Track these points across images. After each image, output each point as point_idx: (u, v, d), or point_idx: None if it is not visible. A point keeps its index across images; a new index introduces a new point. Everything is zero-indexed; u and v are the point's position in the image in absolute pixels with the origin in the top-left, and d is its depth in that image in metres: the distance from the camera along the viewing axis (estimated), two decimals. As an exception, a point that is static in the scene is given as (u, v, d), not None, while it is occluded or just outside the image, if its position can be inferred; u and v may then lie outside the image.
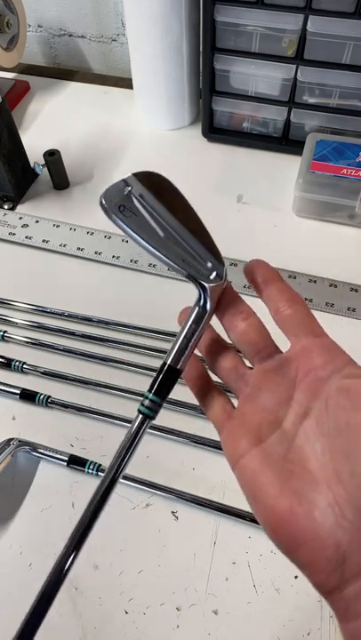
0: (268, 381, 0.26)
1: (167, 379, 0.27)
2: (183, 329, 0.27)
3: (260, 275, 0.27)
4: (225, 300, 0.27)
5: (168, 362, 0.27)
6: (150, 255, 0.26)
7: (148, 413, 0.27)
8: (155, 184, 0.28)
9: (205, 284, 0.26)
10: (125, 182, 0.27)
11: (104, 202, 0.26)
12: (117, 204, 0.26)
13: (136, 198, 0.27)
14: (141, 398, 0.28)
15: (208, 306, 0.26)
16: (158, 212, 0.27)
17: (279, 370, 0.26)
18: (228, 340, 0.28)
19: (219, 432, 0.28)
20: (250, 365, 0.28)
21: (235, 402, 0.29)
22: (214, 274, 0.26)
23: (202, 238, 0.27)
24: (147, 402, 0.27)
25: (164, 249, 0.26)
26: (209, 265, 0.27)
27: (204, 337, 0.29)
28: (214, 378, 0.30)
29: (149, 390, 0.27)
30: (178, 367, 0.27)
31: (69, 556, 0.27)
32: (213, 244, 0.27)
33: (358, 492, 0.21)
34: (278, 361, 0.26)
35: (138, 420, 0.27)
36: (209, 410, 0.29)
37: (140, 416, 0.27)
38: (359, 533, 0.21)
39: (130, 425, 0.28)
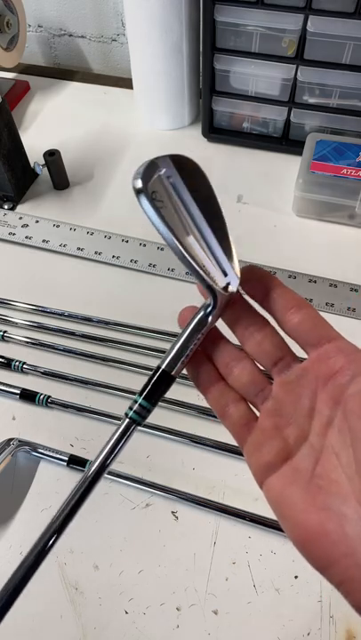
0: (289, 393, 0.25)
1: (160, 384, 0.26)
2: (183, 333, 0.25)
3: (257, 282, 0.26)
4: (237, 311, 0.26)
5: (163, 366, 0.26)
6: (172, 251, 0.23)
7: (137, 419, 0.26)
8: (187, 171, 0.25)
9: (218, 293, 0.24)
10: (157, 164, 0.24)
11: (140, 184, 0.23)
12: (150, 189, 0.23)
13: (167, 185, 0.24)
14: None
15: (215, 314, 0.25)
16: (187, 205, 0.24)
17: (299, 380, 0.25)
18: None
19: (240, 444, 0.26)
20: (267, 373, 0.27)
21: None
22: (229, 283, 0.24)
23: (223, 242, 0.25)
24: (136, 406, 0.26)
25: (190, 250, 0.23)
26: (226, 272, 0.25)
27: (221, 348, 0.27)
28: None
29: (140, 394, 0.26)
30: (172, 373, 0.26)
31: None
32: (232, 249, 0.25)
33: None
34: (297, 371, 0.25)
35: (124, 424, 0.26)
36: (227, 419, 0.27)
37: (127, 420, 0.26)
38: None
39: (115, 427, 0.27)
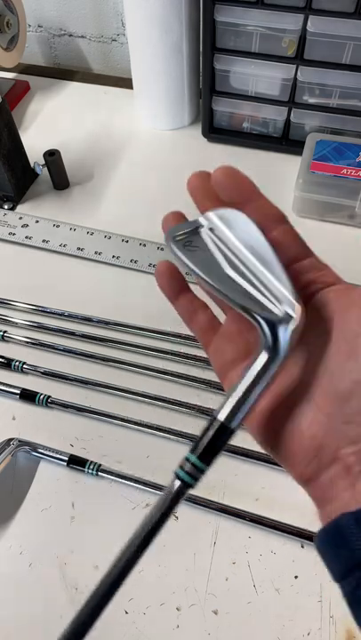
0: None
1: (218, 440, 0.22)
2: (244, 379, 0.22)
3: (234, 189, 0.24)
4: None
5: (222, 419, 0.22)
6: (211, 290, 0.23)
7: (190, 482, 0.22)
8: (233, 222, 0.24)
9: (273, 323, 0.21)
10: (197, 221, 0.25)
11: (166, 234, 0.25)
12: (180, 238, 0.24)
13: (208, 236, 0.24)
14: (141, 398, 0.27)
15: (279, 348, 0.21)
16: (234, 250, 0.23)
17: None
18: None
19: (204, 346, 0.28)
20: None
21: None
22: (285, 312, 0.21)
23: (275, 274, 0.22)
24: (188, 466, 0.22)
25: (224, 284, 0.22)
26: (282, 303, 0.22)
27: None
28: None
29: (192, 451, 0.22)
30: (231, 427, 0.22)
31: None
32: (286, 279, 0.22)
33: (338, 386, 0.22)
34: None
35: (176, 488, 0.22)
36: (194, 324, 0.28)
37: (179, 483, 0.22)
38: (333, 423, 0.22)
39: (162, 492, 0.23)
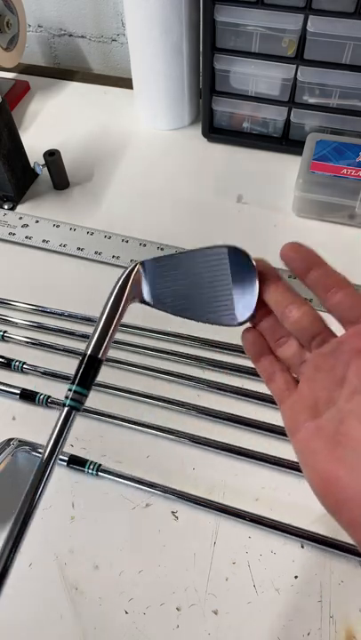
0: (323, 363, 0.28)
1: (90, 368, 0.30)
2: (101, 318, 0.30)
3: (301, 260, 0.28)
4: (278, 291, 0.29)
5: (89, 352, 0.29)
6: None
7: (75, 405, 0.29)
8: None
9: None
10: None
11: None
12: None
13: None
14: (141, 398, 0.28)
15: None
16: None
17: (334, 352, 0.27)
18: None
19: (279, 404, 0.30)
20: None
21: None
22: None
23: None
24: (71, 394, 0.29)
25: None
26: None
27: (270, 325, 0.30)
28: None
29: (72, 383, 0.29)
30: (99, 357, 0.29)
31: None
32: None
33: None
34: (334, 344, 0.28)
35: (64, 412, 0.29)
36: (272, 383, 0.30)
37: (67, 408, 0.29)
38: None
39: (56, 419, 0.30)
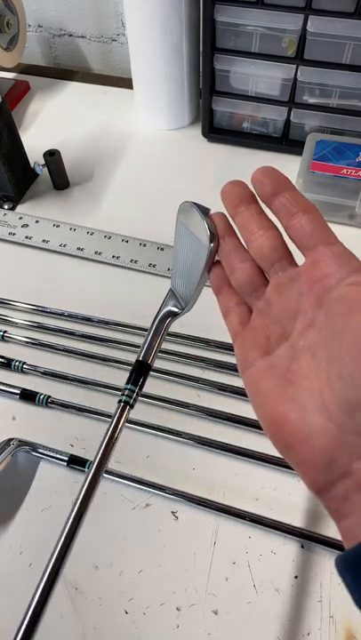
0: (278, 295, 0.26)
1: (140, 370, 0.32)
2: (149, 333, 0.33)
3: (269, 184, 0.26)
4: (246, 214, 0.28)
5: (140, 359, 0.32)
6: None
7: (128, 401, 0.32)
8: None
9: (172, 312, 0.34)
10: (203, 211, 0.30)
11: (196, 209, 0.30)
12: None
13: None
14: (141, 398, 0.29)
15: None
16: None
17: (290, 283, 0.26)
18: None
19: (233, 341, 0.29)
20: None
21: None
22: (181, 308, 0.33)
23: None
24: (126, 392, 0.32)
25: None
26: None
27: (229, 249, 0.29)
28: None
29: (127, 383, 0.32)
30: (147, 362, 0.32)
31: (63, 554, 0.29)
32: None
33: (345, 393, 0.21)
34: (291, 274, 0.26)
35: (120, 407, 0.31)
36: (226, 319, 0.29)
37: (122, 404, 0.31)
38: (344, 435, 0.21)
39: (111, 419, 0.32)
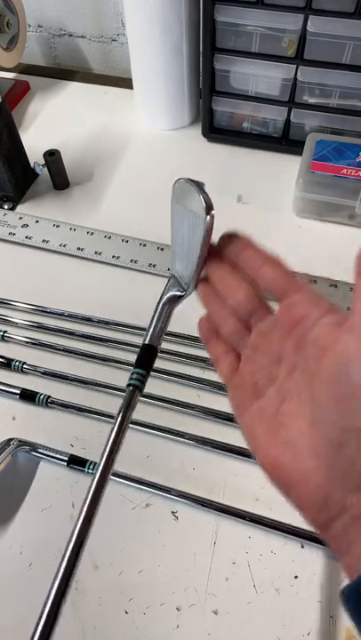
0: (262, 341, 0.28)
1: (147, 354, 0.32)
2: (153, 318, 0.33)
3: (233, 245, 0.29)
4: (221, 270, 0.30)
5: (147, 342, 0.33)
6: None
7: (138, 384, 0.32)
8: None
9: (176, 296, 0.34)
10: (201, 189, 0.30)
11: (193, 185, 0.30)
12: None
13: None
14: (141, 398, 0.29)
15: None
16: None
17: (271, 330, 0.28)
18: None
19: (227, 388, 0.30)
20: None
21: None
22: (183, 290, 0.33)
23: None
24: (135, 375, 0.32)
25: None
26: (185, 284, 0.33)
27: (213, 305, 0.31)
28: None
29: (135, 367, 0.32)
30: (153, 344, 0.33)
31: (77, 550, 0.28)
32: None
33: (328, 433, 0.22)
34: (270, 321, 0.28)
35: (130, 390, 0.31)
36: (217, 367, 0.31)
37: (131, 388, 0.31)
38: (334, 474, 0.22)
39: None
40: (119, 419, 0.30)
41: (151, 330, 0.33)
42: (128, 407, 0.31)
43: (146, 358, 0.32)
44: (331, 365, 0.22)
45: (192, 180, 0.31)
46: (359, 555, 0.22)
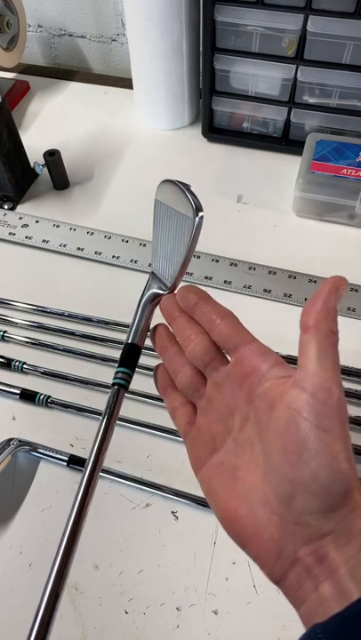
0: (216, 393, 0.28)
1: (131, 353, 0.33)
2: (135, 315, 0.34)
3: (190, 297, 0.30)
4: (178, 322, 0.31)
5: (129, 341, 0.33)
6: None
7: (123, 383, 0.32)
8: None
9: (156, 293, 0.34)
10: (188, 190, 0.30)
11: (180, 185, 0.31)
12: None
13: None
14: (141, 398, 0.28)
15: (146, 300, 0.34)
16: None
17: (224, 382, 0.28)
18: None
19: (183, 440, 0.30)
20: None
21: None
22: (166, 288, 0.33)
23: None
24: (118, 374, 0.32)
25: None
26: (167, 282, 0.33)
27: (170, 356, 0.31)
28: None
29: (118, 365, 0.32)
30: (136, 343, 0.33)
31: (69, 550, 0.29)
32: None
33: (278, 486, 0.23)
34: (223, 373, 0.28)
35: (114, 390, 0.32)
36: (174, 419, 0.31)
37: (116, 387, 0.32)
38: (286, 525, 0.23)
39: (117, 418, 0.32)
40: (105, 420, 0.30)
41: (134, 328, 0.33)
42: (114, 408, 0.31)
43: (129, 357, 0.32)
44: (279, 419, 0.23)
45: (179, 182, 0.31)
46: (312, 608, 0.22)
